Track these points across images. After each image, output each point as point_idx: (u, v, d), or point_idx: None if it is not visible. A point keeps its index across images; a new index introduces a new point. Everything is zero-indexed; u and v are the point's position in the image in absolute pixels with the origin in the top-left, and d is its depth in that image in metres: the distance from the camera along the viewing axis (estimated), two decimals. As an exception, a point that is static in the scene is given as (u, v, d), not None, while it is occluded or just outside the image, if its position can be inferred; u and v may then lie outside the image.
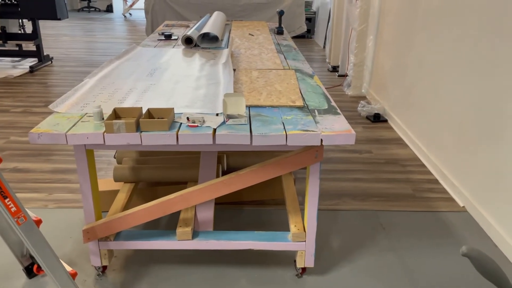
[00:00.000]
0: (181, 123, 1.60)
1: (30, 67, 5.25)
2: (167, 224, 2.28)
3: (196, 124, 1.57)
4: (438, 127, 2.90)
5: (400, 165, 3.03)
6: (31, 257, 1.86)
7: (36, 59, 5.62)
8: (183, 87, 2.02)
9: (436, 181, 2.81)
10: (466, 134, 2.53)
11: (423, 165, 3.03)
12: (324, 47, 6.96)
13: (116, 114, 1.61)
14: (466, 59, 2.55)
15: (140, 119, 1.52)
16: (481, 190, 2.36)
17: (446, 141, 2.77)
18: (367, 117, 3.93)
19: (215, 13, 3.72)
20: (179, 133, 1.52)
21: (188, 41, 2.88)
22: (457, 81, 2.65)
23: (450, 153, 2.72)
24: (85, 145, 1.60)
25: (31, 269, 1.86)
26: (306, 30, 6.18)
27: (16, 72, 5.22)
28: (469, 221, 2.39)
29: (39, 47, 5.42)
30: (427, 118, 3.07)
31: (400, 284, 1.90)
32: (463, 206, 2.52)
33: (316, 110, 1.77)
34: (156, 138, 1.51)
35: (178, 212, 2.29)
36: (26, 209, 1.40)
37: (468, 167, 2.50)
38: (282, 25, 3.65)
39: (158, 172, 2.25)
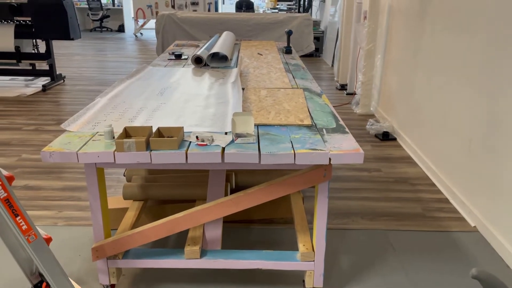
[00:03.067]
0: (190, 142, 1.61)
1: (43, 85, 5.35)
2: (175, 242, 2.28)
3: (205, 143, 1.58)
4: (447, 145, 2.89)
5: (409, 183, 3.01)
6: (40, 274, 1.87)
7: (49, 78, 5.74)
8: (193, 106, 2.05)
9: (446, 200, 2.78)
10: (477, 152, 2.51)
11: (433, 184, 3.00)
12: (332, 65, 7.00)
13: (127, 133, 1.63)
14: (475, 76, 2.55)
15: (150, 138, 1.54)
16: (492, 210, 2.33)
17: (456, 160, 2.76)
18: (376, 136, 3.93)
19: (225, 33, 3.78)
20: (188, 152, 1.53)
21: (198, 60, 2.93)
22: (467, 99, 2.65)
23: (460, 172, 2.70)
24: (95, 163, 1.62)
25: (40, 287, 1.86)
26: (314, 49, 6.24)
27: (29, 90, 5.32)
28: (481, 241, 2.35)
29: (52, 66, 5.53)
30: (437, 136, 3.06)
31: (410, 306, 1.87)
32: (474, 226, 2.48)
33: (324, 129, 1.77)
34: (165, 157, 1.53)
35: (187, 231, 2.29)
36: (37, 227, 1.42)
37: (479, 186, 2.47)
38: (290, 45, 3.69)
39: (167, 190, 2.26)
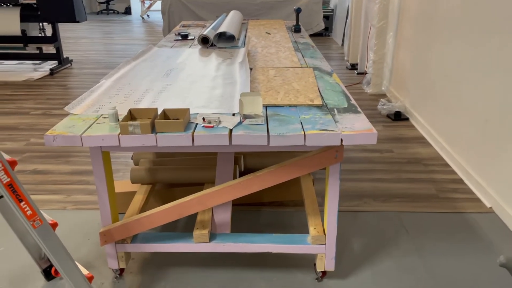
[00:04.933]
0: (196, 124, 1.56)
1: (50, 69, 5.32)
2: (184, 226, 2.26)
3: (212, 125, 1.53)
4: (462, 124, 2.80)
5: (422, 164, 2.94)
6: (49, 259, 1.86)
7: (56, 61, 5.70)
8: (199, 87, 1.99)
9: (461, 181, 2.71)
10: (493, 131, 2.43)
11: (447, 165, 2.93)
12: (342, 44, 6.86)
13: (132, 115, 1.59)
14: (491, 53, 2.44)
15: (155, 120, 1.49)
16: (509, 190, 2.26)
17: (471, 139, 2.67)
18: (388, 116, 3.84)
19: (232, 12, 3.68)
20: (194, 134, 1.48)
21: (204, 40, 2.86)
22: (482, 77, 2.55)
23: (475, 152, 2.62)
24: (101, 147, 1.58)
25: (49, 272, 1.86)
26: (323, 27, 6.11)
27: (37, 74, 5.30)
28: (497, 222, 2.29)
29: (58, 49, 5.49)
30: (451, 115, 2.97)
31: (424, 289, 1.83)
32: (490, 207, 2.42)
33: (335, 109, 1.71)
34: (171, 140, 1.48)
35: (195, 214, 2.27)
36: (42, 212, 1.39)
37: (495, 166, 2.40)
38: (299, 23, 3.59)
39: (175, 173, 2.23)
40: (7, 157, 1.36)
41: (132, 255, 2.02)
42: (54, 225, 1.49)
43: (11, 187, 1.29)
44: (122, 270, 1.90)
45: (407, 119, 3.77)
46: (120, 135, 1.48)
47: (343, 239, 2.16)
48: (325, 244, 1.78)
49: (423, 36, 3.53)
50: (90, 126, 1.54)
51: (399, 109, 3.83)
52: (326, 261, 1.81)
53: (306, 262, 1.98)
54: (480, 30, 2.59)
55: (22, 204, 1.31)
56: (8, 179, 1.27)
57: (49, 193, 2.58)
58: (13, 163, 1.37)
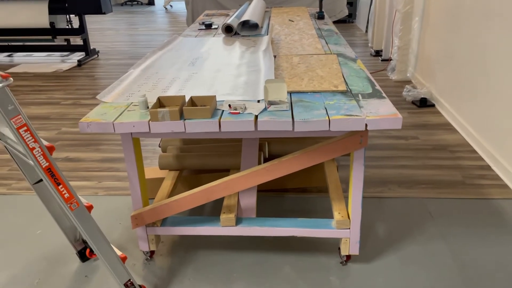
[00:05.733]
0: (223, 111, 1.60)
1: (78, 61, 5.47)
2: (211, 211, 2.32)
3: (238, 111, 1.57)
4: (490, 110, 2.75)
5: (448, 151, 2.91)
6: (84, 241, 1.95)
7: (83, 53, 5.84)
8: (224, 75, 2.03)
9: (488, 167, 2.68)
10: (522, 117, 2.38)
11: (474, 151, 2.89)
12: (366, 31, 6.76)
13: (160, 102, 1.64)
14: (522, 37, 2.39)
15: (183, 107, 1.54)
16: (538, 177, 2.22)
17: (500, 125, 2.63)
18: (413, 102, 3.79)
19: (254, 1, 3.69)
20: (221, 120, 1.52)
21: (228, 29, 2.88)
22: (511, 61, 2.49)
23: (504, 138, 2.58)
24: (131, 133, 1.65)
25: (84, 253, 1.95)
26: (347, 14, 6.03)
27: (65, 66, 5.45)
28: (525, 209, 2.26)
29: (86, 41, 5.62)
30: (479, 101, 2.92)
31: (449, 274, 1.83)
32: (518, 194, 2.39)
33: (360, 95, 1.72)
34: (199, 126, 1.53)
35: (222, 199, 2.32)
36: (78, 196, 1.47)
37: (524, 152, 2.36)
38: (322, 10, 3.57)
39: (202, 159, 2.28)
40: (45, 143, 1.44)
41: (161, 238, 2.10)
42: (90, 208, 1.57)
43: (50, 171, 1.36)
44: (152, 253, 1.98)
45: (433, 105, 3.72)
46: (150, 121, 1.53)
47: (367, 224, 2.17)
48: (349, 228, 1.80)
49: (451, 20, 3.46)
50: (121, 114, 1.61)
51: (424, 95, 3.78)
52: (351, 245, 1.84)
53: (329, 246, 2.01)
54: (510, 13, 2.52)
55: (60, 187, 1.38)
56: (47, 164, 1.35)
57: (81, 180, 2.69)
58: (51, 149, 1.45)
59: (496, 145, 2.66)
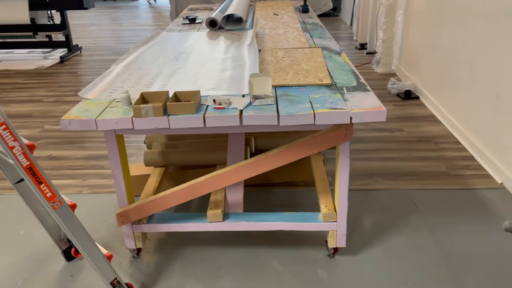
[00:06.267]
0: (207, 106, 1.59)
1: (61, 57, 5.37)
2: (198, 207, 2.31)
3: (222, 106, 1.56)
4: (473, 101, 2.79)
5: (433, 142, 2.94)
6: (69, 240, 1.93)
7: (66, 49, 5.74)
8: (209, 69, 2.01)
9: (471, 158, 2.72)
10: (504, 107, 2.41)
11: (458, 142, 2.93)
12: (351, 24, 6.78)
13: (144, 98, 1.62)
14: (503, 29, 2.41)
15: (167, 103, 1.52)
16: (520, 166, 2.26)
17: (483, 116, 2.66)
18: (398, 95, 3.82)
19: (239, -6, 3.66)
20: (206, 115, 1.51)
21: (212, 23, 2.86)
22: (493, 53, 2.52)
23: (486, 128, 2.61)
24: (115, 130, 1.62)
25: (69, 252, 1.92)
26: (332, 7, 6.03)
27: (48, 62, 5.35)
28: (508, 198, 2.30)
29: (68, 37, 5.53)
30: (462, 93, 2.95)
31: (435, 264, 1.86)
32: (501, 183, 2.42)
33: (344, 88, 1.72)
34: (183, 121, 1.51)
35: (208, 195, 2.31)
36: (61, 195, 1.44)
37: (507, 142, 2.39)
38: (307, 3, 3.56)
39: (187, 155, 2.27)
40: (26, 141, 1.41)
41: (148, 235, 2.08)
42: (73, 207, 1.54)
43: (31, 170, 1.33)
44: (139, 250, 1.96)
45: (417, 97, 3.75)
46: (134, 118, 1.51)
47: (354, 217, 2.19)
48: (336, 221, 1.81)
49: (434, 13, 3.48)
50: (103, 110, 1.58)
51: (409, 88, 3.81)
52: (338, 238, 1.85)
53: (317, 239, 2.02)
54: (493, 6, 2.55)
55: (42, 186, 1.36)
56: (28, 163, 1.32)
57: (65, 178, 2.65)
58: (31, 147, 1.42)
59: (479, 136, 2.70)
